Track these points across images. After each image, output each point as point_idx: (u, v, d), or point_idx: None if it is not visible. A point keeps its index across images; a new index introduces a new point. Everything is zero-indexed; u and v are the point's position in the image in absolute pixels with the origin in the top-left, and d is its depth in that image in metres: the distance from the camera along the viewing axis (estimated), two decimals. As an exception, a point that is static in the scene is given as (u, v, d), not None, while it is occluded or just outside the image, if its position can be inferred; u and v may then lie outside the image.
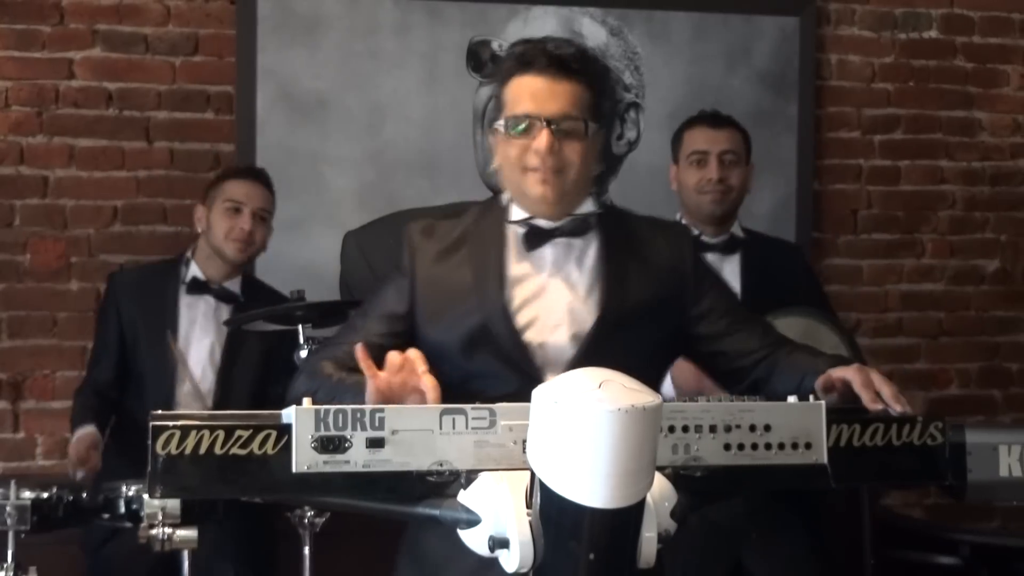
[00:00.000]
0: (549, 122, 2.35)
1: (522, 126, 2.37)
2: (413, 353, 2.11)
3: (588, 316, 2.40)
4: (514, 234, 2.46)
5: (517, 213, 2.47)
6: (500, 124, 2.42)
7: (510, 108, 2.40)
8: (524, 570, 1.78)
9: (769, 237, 4.07)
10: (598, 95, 2.45)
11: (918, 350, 5.04)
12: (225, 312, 3.94)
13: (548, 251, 2.45)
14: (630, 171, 4.76)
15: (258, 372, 3.94)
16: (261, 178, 4.04)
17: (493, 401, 1.94)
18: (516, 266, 2.44)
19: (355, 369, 2.23)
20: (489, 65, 4.65)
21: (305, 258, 4.51)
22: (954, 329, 5.07)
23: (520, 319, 2.39)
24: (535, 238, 2.44)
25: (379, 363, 2.15)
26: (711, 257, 3.56)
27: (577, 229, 2.45)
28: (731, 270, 3.60)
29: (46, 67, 4.44)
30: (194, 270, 3.97)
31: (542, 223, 2.44)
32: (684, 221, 3.66)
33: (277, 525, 3.74)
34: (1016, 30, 5.10)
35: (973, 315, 5.10)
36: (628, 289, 2.42)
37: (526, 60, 2.39)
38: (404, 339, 2.42)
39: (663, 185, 4.68)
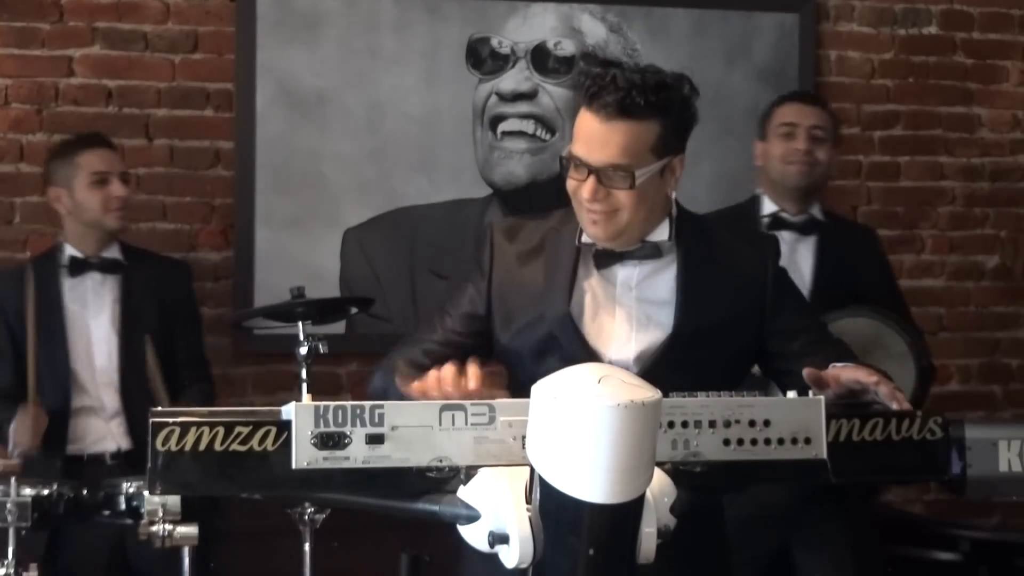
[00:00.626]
0: (594, 171, 2.31)
1: (575, 164, 2.32)
2: (447, 371, 2.10)
3: (658, 335, 2.38)
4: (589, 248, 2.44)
5: (586, 236, 2.43)
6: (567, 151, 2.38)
7: (572, 142, 2.35)
8: (524, 565, 1.78)
9: (848, 221, 4.08)
10: (669, 128, 2.35)
11: (918, 346, 5.03)
12: (112, 283, 3.90)
13: (620, 270, 2.42)
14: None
15: (161, 333, 3.89)
16: (107, 142, 4.00)
17: None
18: (589, 279, 2.43)
19: (428, 367, 2.24)
20: (489, 62, 4.65)
21: (305, 255, 4.50)
22: (954, 325, 5.07)
23: (589, 331, 2.39)
24: (605, 259, 2.42)
25: (462, 357, 2.20)
26: (787, 236, 3.59)
27: (649, 254, 2.41)
28: (805, 252, 3.63)
29: (46, 65, 4.44)
30: (70, 251, 3.91)
31: (612, 246, 2.41)
32: (765, 197, 3.67)
33: (271, 520, 3.74)
34: (1016, 26, 5.10)
35: (973, 311, 5.09)
36: (705, 308, 2.39)
37: (593, 92, 2.30)
38: (484, 338, 2.45)
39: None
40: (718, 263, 2.45)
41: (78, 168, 3.88)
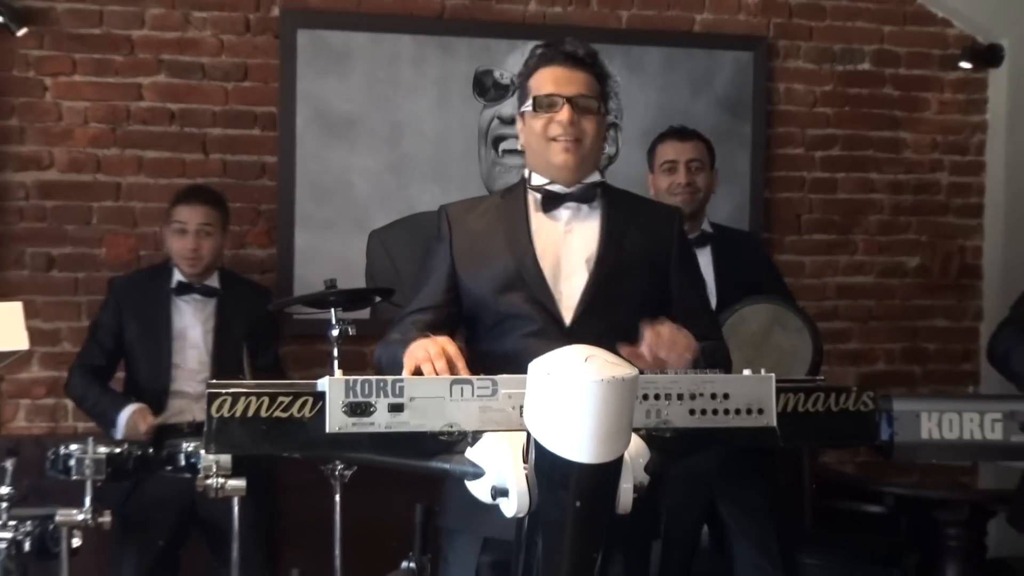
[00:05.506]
0: (569, 99, 2.43)
1: (547, 103, 2.44)
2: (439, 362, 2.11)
3: (593, 264, 2.44)
4: (534, 198, 2.51)
5: (537, 180, 2.51)
6: (528, 105, 2.48)
7: (536, 91, 2.47)
8: (521, 515, 1.78)
9: (733, 229, 4.06)
10: (604, 88, 2.53)
11: (851, 333, 5.03)
12: (210, 305, 3.94)
13: (562, 211, 2.49)
14: (610, 182, 4.72)
15: (246, 344, 3.88)
16: (202, 197, 3.99)
17: (522, 339, 2.17)
18: (537, 223, 2.49)
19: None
20: (492, 91, 4.64)
21: (336, 252, 4.50)
22: (881, 315, 5.07)
23: (543, 266, 2.43)
24: (551, 201, 2.49)
25: (447, 325, 2.32)
26: None
27: (586, 195, 2.50)
28: (704, 261, 3.59)
29: (119, 90, 4.43)
30: (177, 276, 3.94)
31: (557, 188, 2.49)
32: None
33: (306, 475, 3.73)
34: (936, 64, 5.09)
35: (898, 303, 5.09)
36: (624, 244, 2.46)
37: (548, 57, 2.48)
38: (455, 293, 2.47)
39: (637, 193, 4.69)
40: (634, 215, 2.54)
41: (171, 216, 3.95)
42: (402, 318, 2.50)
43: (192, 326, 3.92)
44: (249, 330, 3.94)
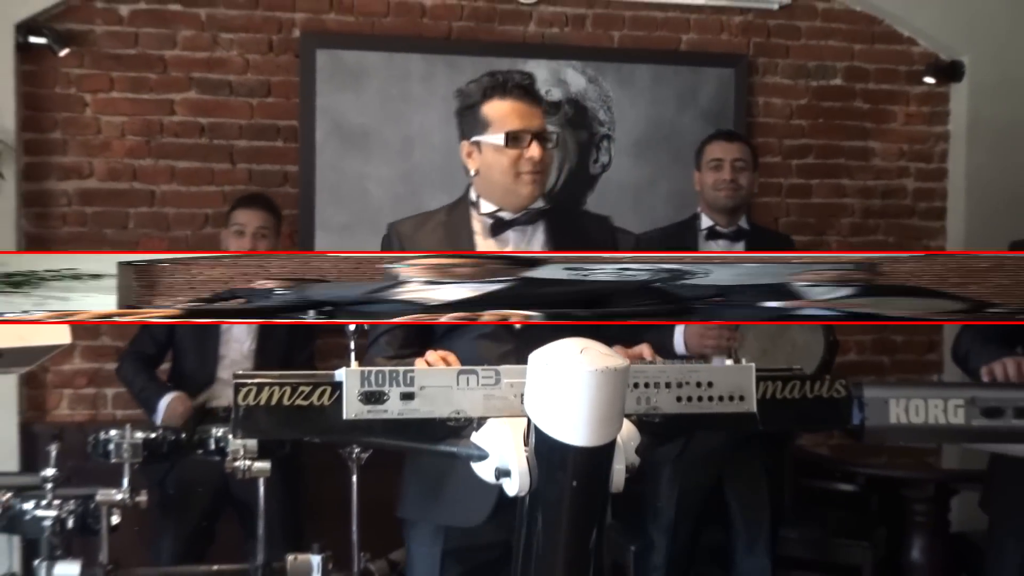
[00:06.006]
0: (536, 135, 2.35)
1: (516, 137, 2.35)
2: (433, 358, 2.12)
3: None
4: (481, 223, 2.46)
5: (486, 207, 2.46)
6: (496, 139, 2.38)
7: (503, 125, 2.37)
8: (522, 494, 1.77)
9: (768, 229, 4.06)
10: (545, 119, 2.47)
11: (825, 325, 5.02)
12: None
13: (509, 235, 2.45)
14: (604, 187, 4.74)
15: (285, 344, 3.94)
16: (259, 202, 3.98)
17: (475, 340, 2.16)
18: (484, 245, 2.45)
19: (397, 357, 2.30)
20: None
21: (353, 254, 4.49)
22: (853, 309, 5.06)
23: None
24: (499, 227, 2.44)
25: (419, 337, 2.26)
26: (723, 243, 3.58)
27: (531, 219, 2.44)
28: None
29: (153, 106, 4.42)
30: None
31: (505, 215, 2.44)
32: (703, 215, 3.63)
33: (326, 458, 3.72)
34: (902, 79, 5.08)
35: (867, 299, 5.08)
36: None
37: (503, 88, 2.37)
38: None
39: (629, 197, 4.69)
40: (573, 232, 2.48)
41: (231, 219, 3.95)
42: (375, 339, 2.46)
43: (239, 327, 3.90)
44: (290, 329, 3.93)
